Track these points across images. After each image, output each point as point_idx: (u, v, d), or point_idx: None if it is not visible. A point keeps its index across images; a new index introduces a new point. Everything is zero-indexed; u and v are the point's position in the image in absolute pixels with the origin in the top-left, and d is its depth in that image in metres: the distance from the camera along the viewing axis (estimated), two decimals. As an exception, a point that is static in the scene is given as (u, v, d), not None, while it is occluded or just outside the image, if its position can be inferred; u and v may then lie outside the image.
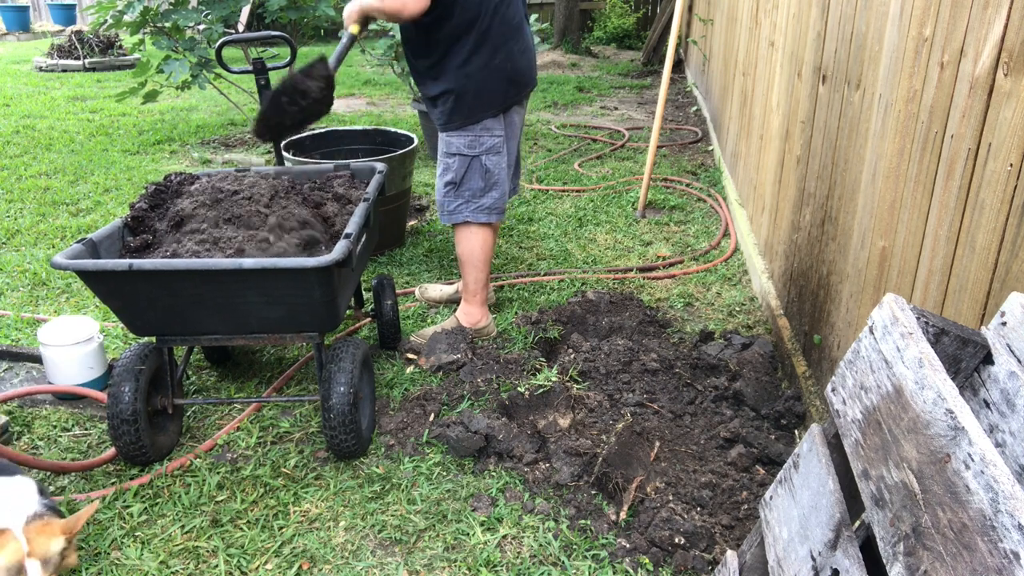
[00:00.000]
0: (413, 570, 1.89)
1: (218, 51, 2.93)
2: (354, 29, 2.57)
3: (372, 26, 5.61)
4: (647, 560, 1.89)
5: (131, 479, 2.18)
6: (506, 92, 2.67)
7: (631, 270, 3.60)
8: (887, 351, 1.12)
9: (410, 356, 2.83)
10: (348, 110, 7.21)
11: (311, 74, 2.38)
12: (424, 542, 1.98)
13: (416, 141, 3.70)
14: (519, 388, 2.40)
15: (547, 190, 4.77)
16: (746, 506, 2.03)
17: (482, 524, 2.03)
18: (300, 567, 1.89)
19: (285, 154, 3.50)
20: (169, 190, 2.48)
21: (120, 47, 10.03)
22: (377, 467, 2.24)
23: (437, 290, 3.28)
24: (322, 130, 3.84)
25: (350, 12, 2.59)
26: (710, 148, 5.74)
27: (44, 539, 1.54)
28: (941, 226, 1.59)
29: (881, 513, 1.03)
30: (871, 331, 1.18)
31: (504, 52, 2.61)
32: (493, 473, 2.22)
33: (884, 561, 1.00)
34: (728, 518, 2.00)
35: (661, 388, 2.54)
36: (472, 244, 2.80)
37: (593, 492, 2.12)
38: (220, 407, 2.55)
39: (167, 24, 5.11)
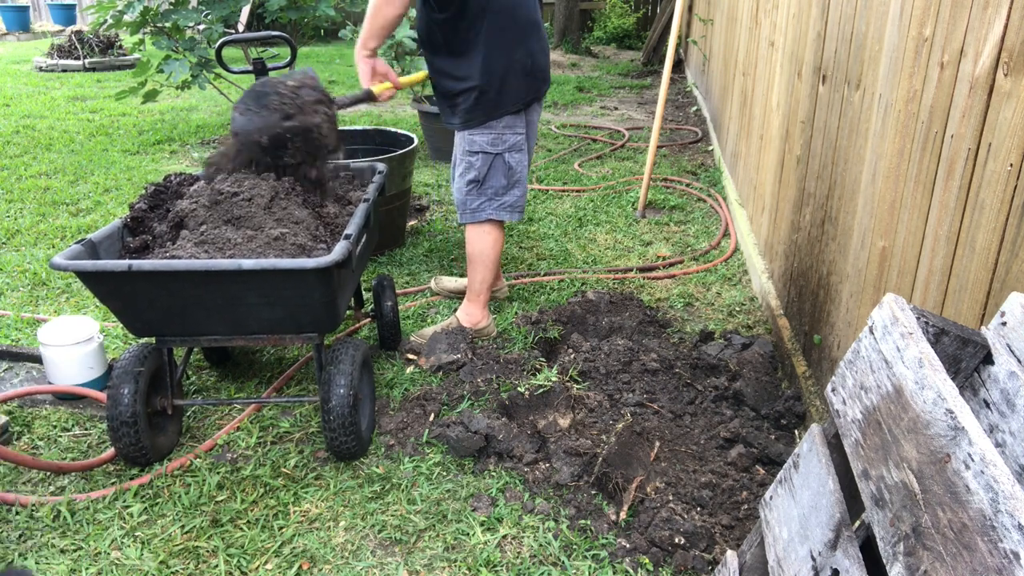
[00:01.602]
0: (413, 570, 1.89)
1: (218, 51, 2.93)
2: (378, 90, 2.64)
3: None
4: (647, 560, 1.89)
5: (131, 479, 2.18)
6: (528, 89, 2.69)
7: (631, 270, 3.60)
8: (887, 351, 1.12)
9: (410, 356, 2.83)
10: (348, 110, 7.21)
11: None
12: (424, 542, 1.98)
13: (416, 141, 3.70)
14: (519, 388, 2.40)
15: (547, 190, 4.77)
16: (746, 506, 2.03)
17: (482, 524, 2.03)
18: (300, 567, 1.89)
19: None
20: (169, 191, 2.48)
21: (120, 47, 10.03)
22: (377, 467, 2.24)
23: (452, 281, 3.32)
24: (322, 130, 3.83)
25: (360, 57, 2.65)
26: (710, 148, 5.74)
27: None
28: (941, 226, 1.59)
29: (881, 513, 1.03)
30: (871, 331, 1.18)
31: (525, 49, 2.62)
32: (493, 473, 2.22)
33: (884, 561, 0.99)
34: (728, 518, 2.00)
35: (661, 388, 2.54)
36: (485, 243, 2.80)
37: (593, 492, 2.12)
38: (220, 407, 2.55)
39: (167, 24, 5.11)
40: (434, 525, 2.03)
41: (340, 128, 3.90)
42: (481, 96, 2.63)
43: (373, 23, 2.58)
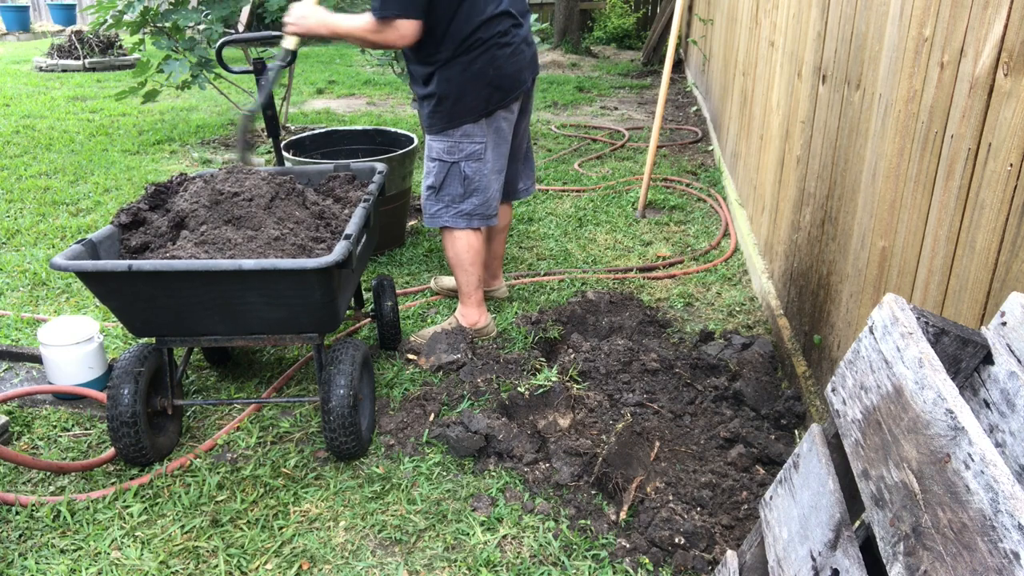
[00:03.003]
0: (413, 570, 1.89)
1: (218, 51, 2.93)
2: (294, 43, 2.57)
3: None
4: (647, 560, 1.89)
5: (131, 479, 2.18)
6: (489, 98, 2.63)
7: (631, 270, 3.60)
8: (887, 351, 1.12)
9: (410, 356, 2.83)
10: (348, 110, 7.21)
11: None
12: (424, 542, 1.98)
13: (416, 141, 3.70)
14: (519, 388, 2.40)
15: (547, 190, 4.77)
16: (746, 506, 2.03)
17: (482, 524, 2.03)
18: (300, 567, 1.89)
19: (285, 154, 3.50)
20: (169, 190, 2.48)
21: (120, 47, 10.03)
22: (377, 467, 2.24)
23: (452, 280, 3.33)
24: (322, 130, 3.84)
25: (308, 25, 2.60)
26: (710, 148, 5.74)
27: None
28: (941, 226, 1.59)
29: (881, 513, 1.03)
30: (871, 331, 1.18)
31: (486, 57, 2.58)
32: (493, 473, 2.22)
33: (884, 561, 0.99)
34: (728, 518, 2.00)
35: (661, 388, 2.54)
36: (457, 248, 2.81)
37: (593, 492, 2.12)
38: (220, 407, 2.55)
39: (167, 24, 5.11)
40: (434, 525, 2.03)
41: (341, 128, 3.91)
42: (438, 105, 2.63)
43: (351, 33, 2.54)
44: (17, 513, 2.06)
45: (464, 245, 2.80)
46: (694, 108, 7.11)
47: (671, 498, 2.04)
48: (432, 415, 2.45)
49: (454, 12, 2.50)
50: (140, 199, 2.41)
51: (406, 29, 2.46)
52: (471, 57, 2.56)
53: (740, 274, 3.57)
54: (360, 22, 2.49)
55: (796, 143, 2.87)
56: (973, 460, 0.87)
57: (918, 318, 1.13)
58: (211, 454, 2.31)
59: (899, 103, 1.83)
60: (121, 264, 1.95)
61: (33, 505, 2.07)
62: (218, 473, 2.21)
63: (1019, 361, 1.05)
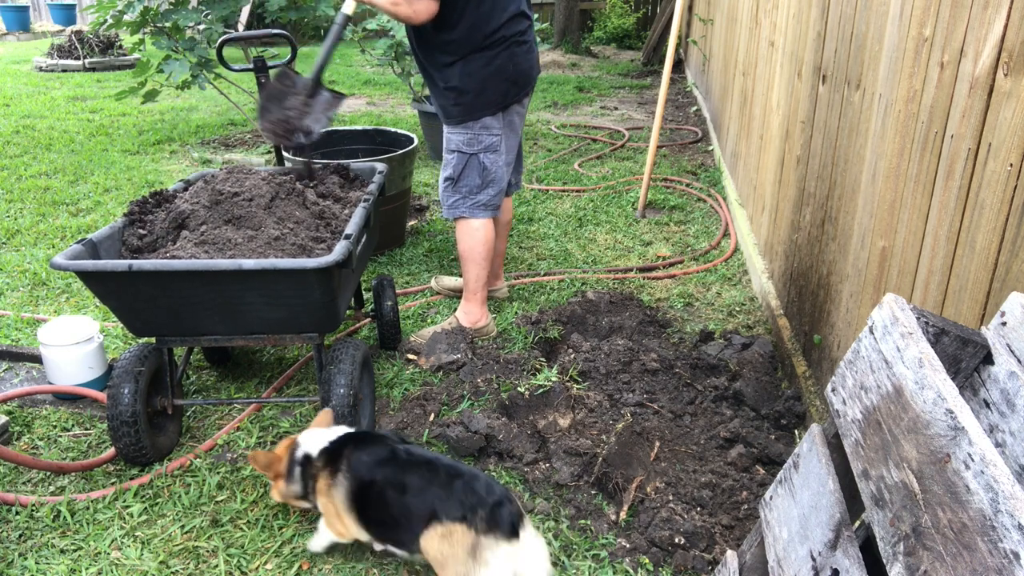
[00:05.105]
0: (413, 570, 1.89)
1: (219, 50, 2.93)
2: (352, 8, 2.59)
3: (372, 26, 5.61)
4: (647, 560, 1.89)
5: (131, 479, 2.18)
6: (507, 92, 2.69)
7: (631, 270, 3.60)
8: (887, 351, 1.12)
9: (410, 356, 2.83)
10: (348, 110, 7.21)
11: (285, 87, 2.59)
12: (424, 542, 1.97)
13: (416, 141, 3.70)
14: (519, 388, 2.40)
15: (547, 190, 4.77)
16: (746, 506, 2.03)
17: (482, 524, 2.02)
18: (300, 567, 1.89)
19: (285, 154, 3.49)
20: (166, 194, 2.48)
21: (120, 47, 10.03)
22: (377, 467, 2.24)
23: (452, 280, 3.36)
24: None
25: None
26: (710, 148, 5.74)
27: None
28: (941, 226, 1.59)
29: (881, 513, 1.03)
30: (871, 331, 1.18)
31: (507, 54, 2.63)
32: (493, 473, 2.22)
33: (884, 561, 1.00)
34: (728, 518, 2.00)
35: (661, 388, 2.54)
36: (473, 240, 2.82)
37: (593, 492, 2.12)
38: (220, 407, 2.55)
39: (167, 24, 5.11)
40: (434, 525, 2.02)
41: (341, 128, 3.91)
42: (460, 97, 2.66)
43: (387, 11, 2.53)
44: (17, 513, 2.06)
45: (480, 237, 2.83)
46: (694, 108, 7.11)
47: (671, 498, 2.04)
48: (432, 415, 2.45)
49: (483, 7, 2.54)
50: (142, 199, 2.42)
51: (424, 8, 2.47)
52: (494, 52, 2.61)
53: (740, 274, 3.57)
54: None
55: (796, 143, 2.87)
56: (973, 460, 0.87)
57: (918, 318, 1.13)
58: (211, 454, 2.31)
59: (899, 103, 1.83)
60: (121, 264, 1.95)
61: (33, 505, 2.07)
62: (218, 473, 2.21)
63: (1019, 361, 1.05)
